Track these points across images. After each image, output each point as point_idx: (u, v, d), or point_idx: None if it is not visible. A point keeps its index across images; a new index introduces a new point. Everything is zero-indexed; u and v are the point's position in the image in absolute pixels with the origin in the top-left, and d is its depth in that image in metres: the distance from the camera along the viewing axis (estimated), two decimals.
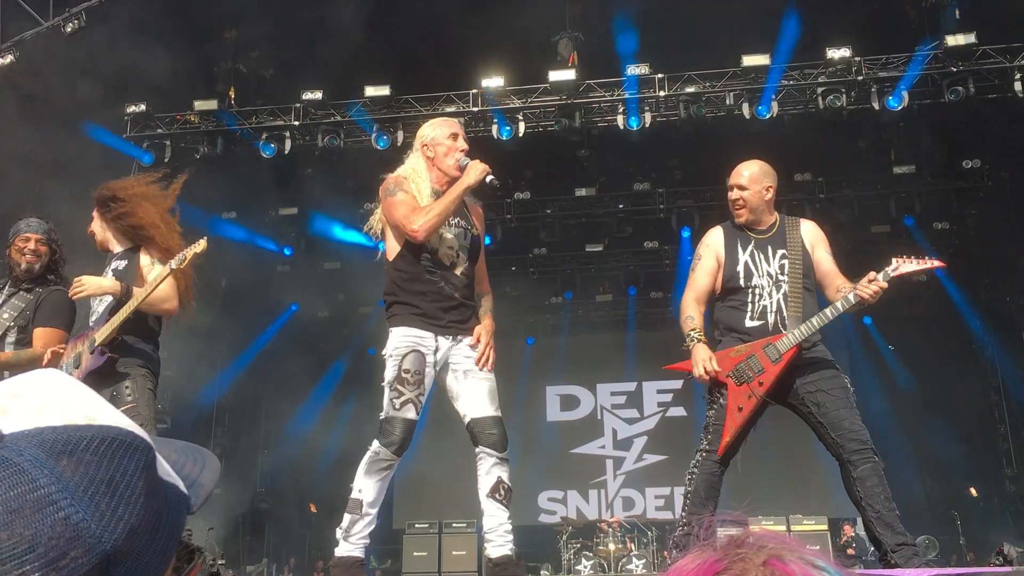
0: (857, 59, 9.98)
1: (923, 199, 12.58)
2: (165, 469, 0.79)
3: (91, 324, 4.49)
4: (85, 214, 4.71)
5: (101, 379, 4.22)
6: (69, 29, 9.43)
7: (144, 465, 0.74)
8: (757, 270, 4.38)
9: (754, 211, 4.43)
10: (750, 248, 4.43)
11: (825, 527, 10.88)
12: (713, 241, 4.51)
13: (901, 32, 10.11)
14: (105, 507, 0.69)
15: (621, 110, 10.47)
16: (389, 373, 4.06)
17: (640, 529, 11.28)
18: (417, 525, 11.97)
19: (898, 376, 13.97)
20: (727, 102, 10.33)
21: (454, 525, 11.76)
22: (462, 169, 4.25)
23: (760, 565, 0.77)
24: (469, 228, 4.38)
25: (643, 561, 10.60)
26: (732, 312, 4.39)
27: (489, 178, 4.21)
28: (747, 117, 10.20)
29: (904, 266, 4.20)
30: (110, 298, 4.39)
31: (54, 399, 0.73)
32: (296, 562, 13.97)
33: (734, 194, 4.45)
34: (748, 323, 4.32)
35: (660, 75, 10.34)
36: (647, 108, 10.44)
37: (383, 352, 4.14)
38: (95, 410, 0.75)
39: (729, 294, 4.42)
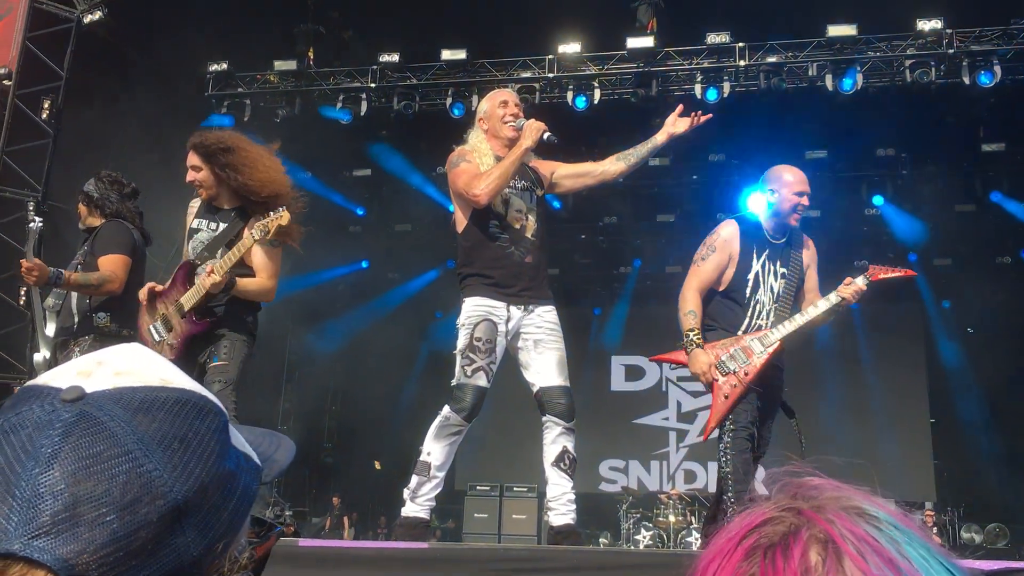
0: (949, 31, 9.60)
1: (1012, 179, 12.13)
2: (240, 440, 0.85)
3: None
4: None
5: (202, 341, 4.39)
6: None
7: (216, 428, 0.80)
8: (763, 285, 4.46)
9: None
10: (764, 257, 4.51)
11: None
12: (729, 238, 4.53)
13: (996, 4, 9.68)
14: (177, 461, 0.74)
15: (699, 79, 10.27)
16: (461, 341, 4.13)
17: (701, 503, 11.23)
18: (479, 487, 12.13)
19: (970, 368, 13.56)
20: (809, 73, 10.06)
21: (515, 489, 11.88)
22: (519, 131, 4.27)
23: (808, 523, 0.69)
24: (534, 188, 4.40)
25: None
26: (729, 312, 4.49)
27: (547, 135, 4.22)
28: (830, 89, 9.91)
29: (881, 273, 4.36)
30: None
31: (133, 366, 0.80)
32: (358, 516, 14.29)
33: (805, 201, 4.55)
34: (741, 331, 4.44)
35: (741, 44, 10.11)
36: (726, 78, 10.23)
37: (457, 322, 4.21)
38: (171, 376, 0.81)
39: (731, 294, 4.50)
